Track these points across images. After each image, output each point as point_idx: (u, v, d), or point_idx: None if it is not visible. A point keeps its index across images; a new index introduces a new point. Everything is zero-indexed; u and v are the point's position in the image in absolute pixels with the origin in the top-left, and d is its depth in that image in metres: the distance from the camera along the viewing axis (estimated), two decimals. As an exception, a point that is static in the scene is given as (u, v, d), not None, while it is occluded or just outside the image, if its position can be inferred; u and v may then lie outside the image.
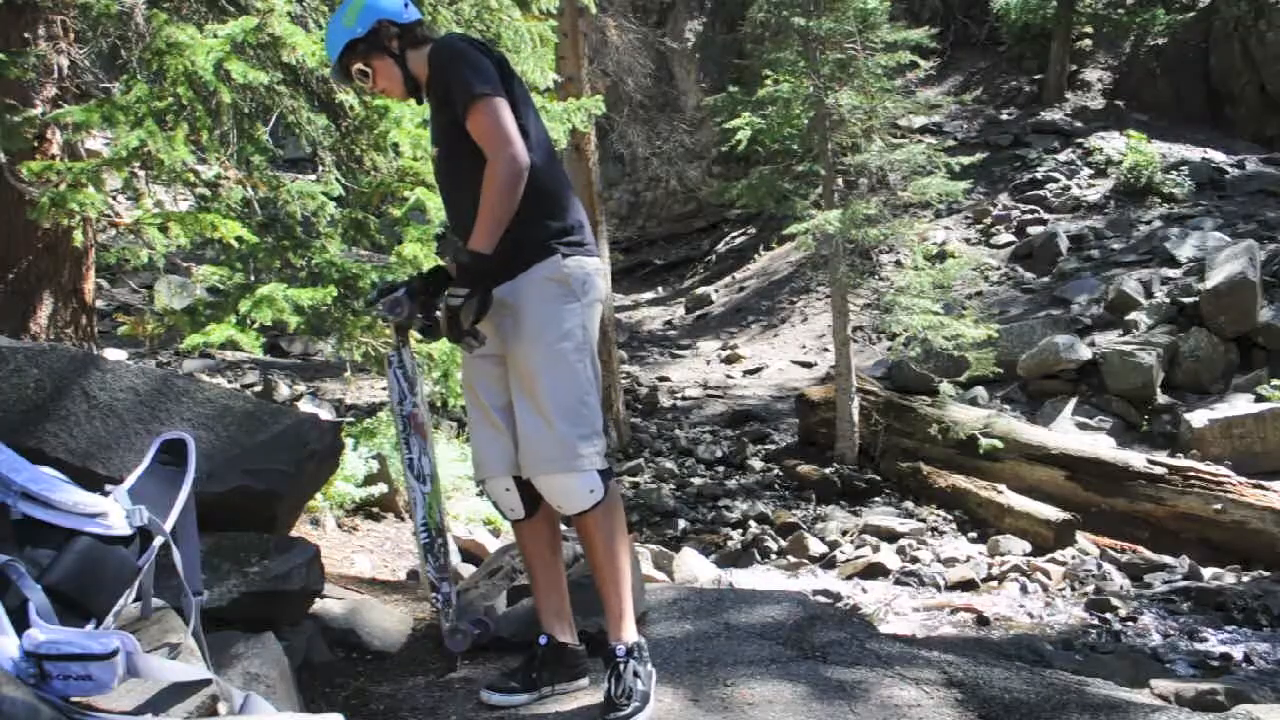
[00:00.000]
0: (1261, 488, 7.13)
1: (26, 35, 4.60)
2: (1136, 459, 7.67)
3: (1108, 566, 6.83)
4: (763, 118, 9.64)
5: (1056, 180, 14.41)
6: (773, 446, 9.71)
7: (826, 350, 11.89)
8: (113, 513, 2.02)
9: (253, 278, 4.49)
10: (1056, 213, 13.73)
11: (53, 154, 4.69)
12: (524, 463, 2.57)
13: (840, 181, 9.72)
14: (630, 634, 2.57)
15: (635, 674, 2.50)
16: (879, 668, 2.82)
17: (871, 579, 6.82)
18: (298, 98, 4.72)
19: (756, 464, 9.27)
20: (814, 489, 8.49)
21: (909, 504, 8.23)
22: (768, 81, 9.54)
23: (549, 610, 2.72)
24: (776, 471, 9.01)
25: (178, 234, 4.30)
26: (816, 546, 7.35)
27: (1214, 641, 5.65)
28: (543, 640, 2.69)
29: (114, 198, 4.87)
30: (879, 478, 8.64)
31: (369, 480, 5.18)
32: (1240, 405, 8.64)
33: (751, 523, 7.87)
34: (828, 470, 8.66)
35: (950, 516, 7.89)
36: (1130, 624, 5.93)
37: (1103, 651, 5.36)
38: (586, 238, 2.64)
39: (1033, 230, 13.36)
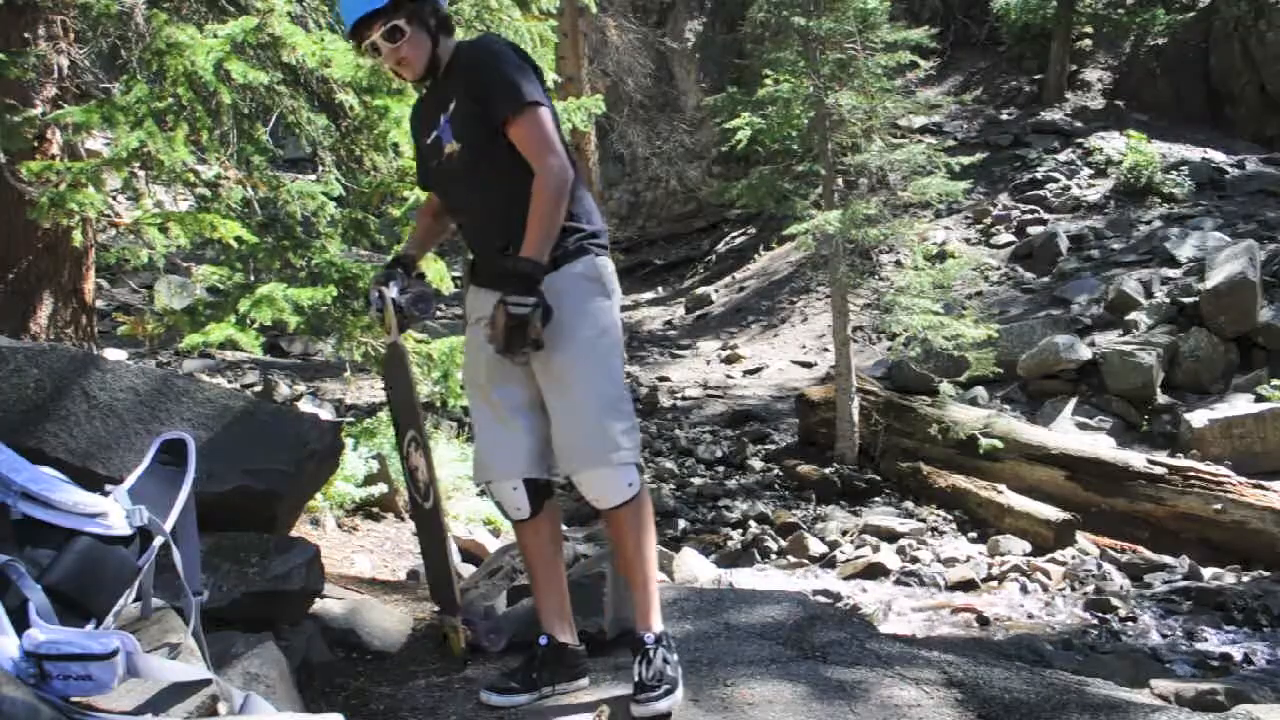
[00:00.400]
0: (1261, 488, 7.12)
1: (26, 35, 4.61)
2: (1136, 459, 7.66)
3: (1108, 566, 6.83)
4: (763, 118, 9.63)
5: (1056, 180, 14.41)
6: (773, 446, 9.70)
7: (826, 350, 11.88)
8: (113, 513, 2.02)
9: (253, 278, 4.50)
10: (1056, 213, 13.73)
11: (53, 154, 4.70)
12: (564, 459, 2.57)
13: (840, 181, 9.71)
14: (658, 623, 2.62)
15: (664, 659, 2.54)
16: (879, 668, 2.82)
17: (871, 579, 6.81)
18: (298, 98, 4.72)
19: (756, 464, 9.27)
20: (814, 489, 8.49)
21: (909, 504, 8.22)
22: (768, 81, 9.53)
23: (549, 610, 2.73)
24: (776, 471, 9.01)
25: (178, 234, 4.31)
26: (816, 546, 7.34)
27: (1214, 641, 5.65)
28: (543, 640, 2.69)
29: (114, 198, 4.88)
30: (879, 478, 8.63)
31: (369, 480, 5.18)
32: (1240, 405, 8.63)
33: (751, 523, 7.87)
34: (828, 470, 8.66)
35: (950, 516, 7.89)
36: (1130, 624, 5.93)
37: (1103, 651, 5.35)
38: (607, 240, 2.72)
39: (1033, 230, 13.36)
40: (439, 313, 14.34)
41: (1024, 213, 13.88)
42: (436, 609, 3.03)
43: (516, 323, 2.39)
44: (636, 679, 2.52)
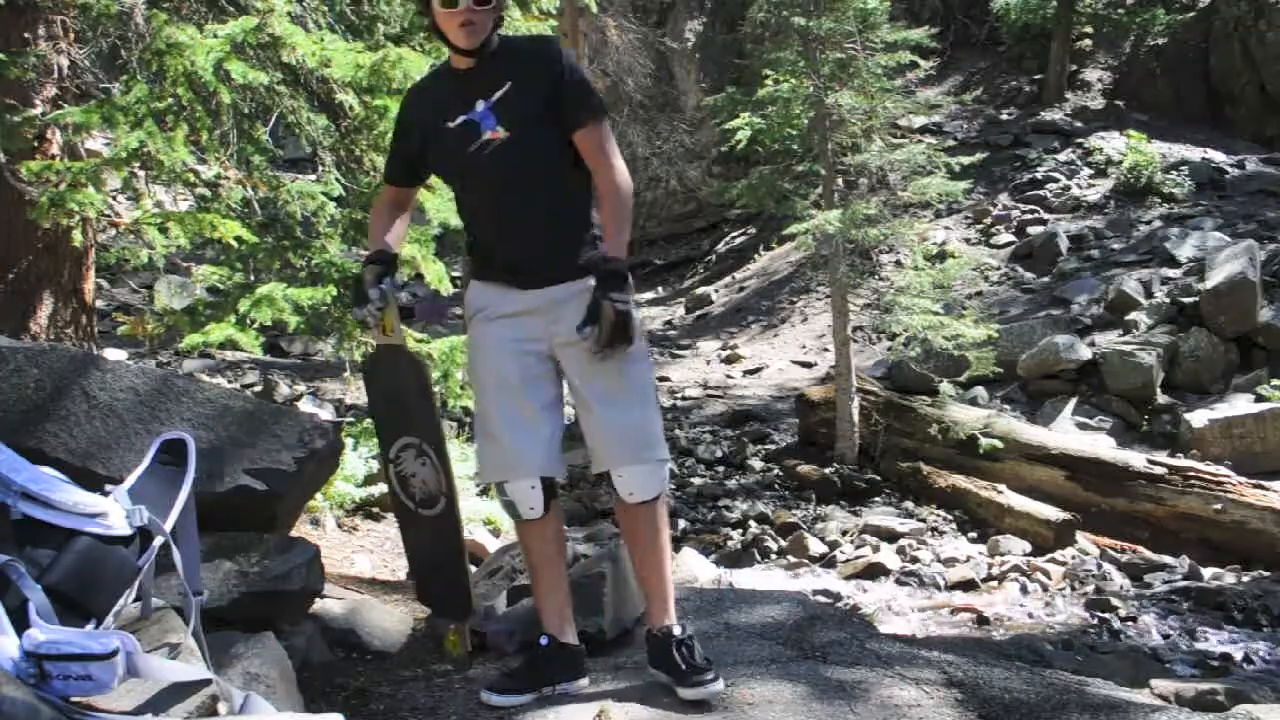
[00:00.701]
0: (1261, 488, 7.12)
1: (26, 35, 4.61)
2: (1136, 459, 7.66)
3: (1108, 566, 6.83)
4: (763, 118, 9.62)
5: (1056, 180, 14.40)
6: (773, 446, 9.70)
7: (826, 350, 11.88)
8: (113, 513, 2.02)
9: (253, 278, 4.50)
10: (1056, 213, 13.72)
11: (53, 154, 4.70)
12: (607, 455, 2.61)
13: (840, 181, 9.70)
14: (675, 616, 2.69)
15: (698, 646, 2.63)
16: (879, 668, 2.82)
17: (871, 579, 6.81)
18: (298, 98, 4.73)
19: (756, 464, 9.27)
20: (814, 489, 8.48)
21: (909, 504, 8.22)
22: (768, 81, 9.52)
23: (551, 610, 2.73)
24: (776, 471, 9.00)
25: (178, 234, 4.31)
26: (816, 546, 7.34)
27: (1214, 641, 5.65)
28: (544, 640, 2.69)
29: (114, 198, 4.88)
30: (879, 478, 8.63)
31: (369, 480, 5.19)
32: (1240, 405, 8.63)
33: (751, 523, 7.86)
34: (828, 470, 8.65)
35: (950, 516, 7.88)
36: (1130, 624, 5.93)
37: (1103, 651, 5.35)
38: None
39: (1033, 230, 13.35)
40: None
41: (1024, 213, 13.87)
42: (438, 613, 3.01)
43: (623, 319, 2.46)
44: (683, 666, 2.57)
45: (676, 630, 2.63)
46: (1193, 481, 7.25)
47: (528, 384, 2.62)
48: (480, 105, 2.58)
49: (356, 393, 9.28)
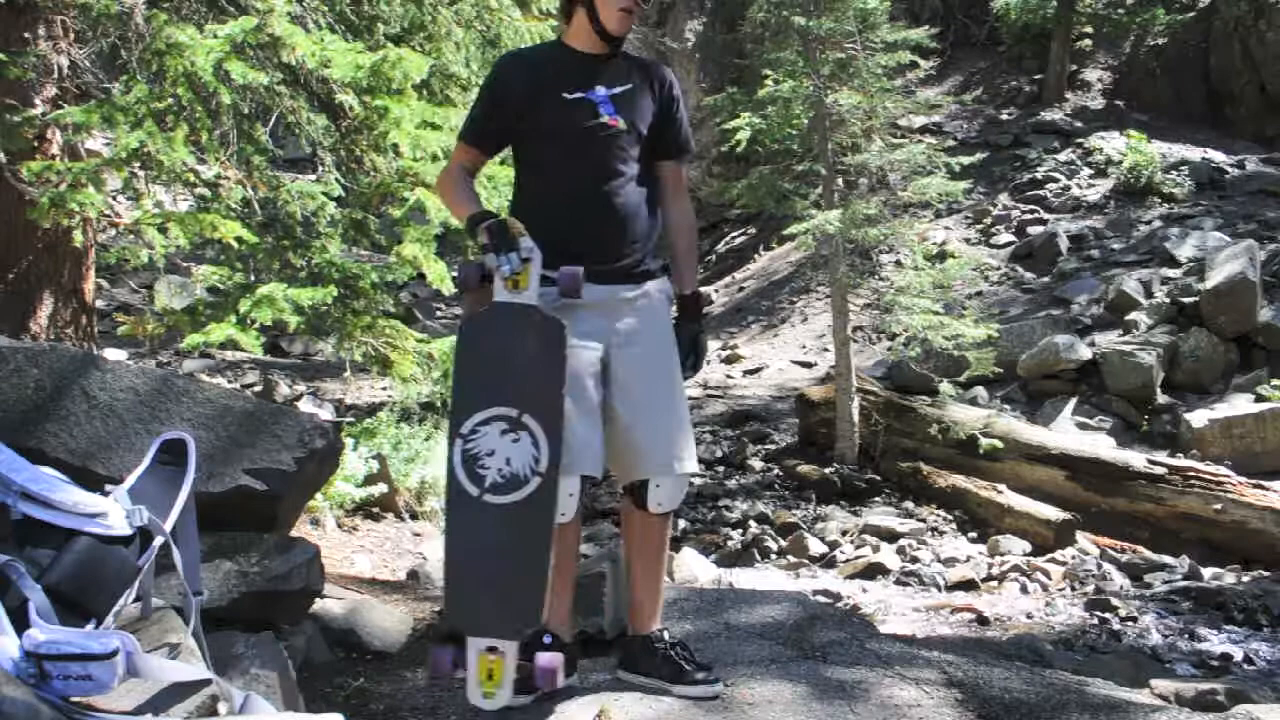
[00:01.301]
0: (1261, 488, 7.12)
1: (26, 35, 4.61)
2: (1136, 459, 7.66)
3: (1108, 566, 6.82)
4: (763, 118, 9.62)
5: (1056, 180, 14.39)
6: (773, 446, 9.69)
7: (826, 350, 11.88)
8: (113, 513, 2.03)
9: (253, 278, 4.51)
10: (1056, 213, 13.72)
11: (53, 154, 4.70)
12: (653, 464, 2.63)
13: (840, 181, 9.70)
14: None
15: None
16: (879, 668, 2.82)
17: (871, 579, 6.81)
18: (297, 98, 4.73)
19: (756, 464, 9.26)
20: (814, 489, 8.48)
21: (909, 504, 8.21)
22: (768, 81, 9.52)
23: (557, 611, 2.72)
24: (776, 471, 9.00)
25: (178, 234, 4.32)
26: (816, 546, 7.34)
27: (1214, 641, 5.64)
28: (547, 639, 2.68)
29: (114, 198, 4.89)
30: (879, 478, 8.62)
31: (369, 480, 5.18)
32: (1240, 405, 8.63)
33: (751, 523, 7.86)
34: (828, 470, 8.65)
35: (950, 516, 7.88)
36: (1130, 624, 5.92)
37: (1103, 651, 5.35)
38: None
39: (1033, 230, 13.35)
40: (438, 313, 14.33)
41: (1024, 213, 13.87)
42: (478, 629, 2.42)
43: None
44: (688, 668, 2.63)
45: (667, 635, 2.72)
46: (1193, 481, 7.25)
47: (594, 385, 2.60)
48: (600, 90, 2.62)
49: (356, 393, 9.28)
